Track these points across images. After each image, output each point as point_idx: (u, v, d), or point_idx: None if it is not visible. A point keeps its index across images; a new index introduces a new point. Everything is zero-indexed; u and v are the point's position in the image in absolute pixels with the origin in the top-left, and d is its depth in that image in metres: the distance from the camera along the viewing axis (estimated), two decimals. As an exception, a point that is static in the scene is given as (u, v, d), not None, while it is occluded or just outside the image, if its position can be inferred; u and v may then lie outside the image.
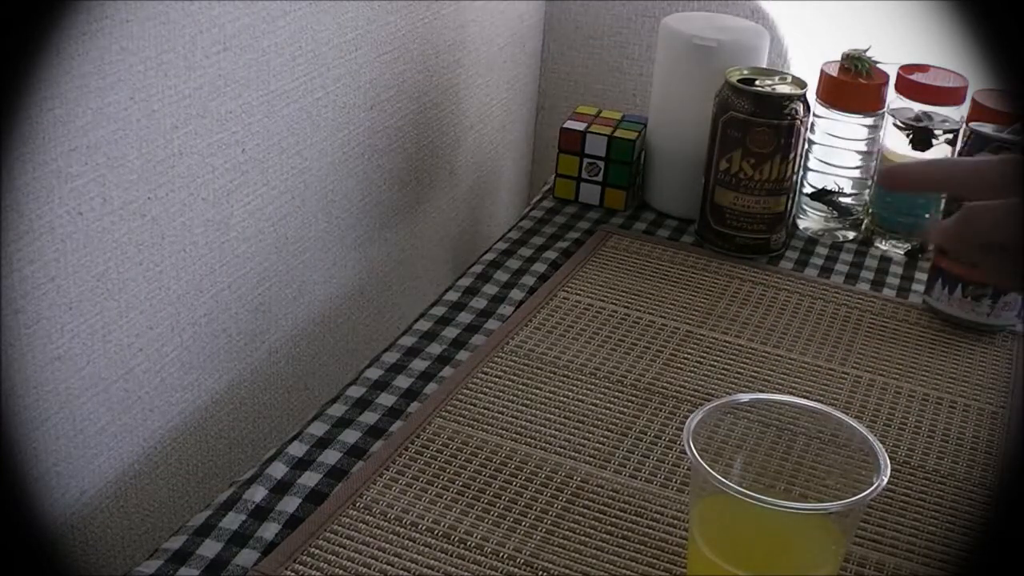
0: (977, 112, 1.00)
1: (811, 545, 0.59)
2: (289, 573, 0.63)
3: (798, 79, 0.99)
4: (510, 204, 1.39)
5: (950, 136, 1.00)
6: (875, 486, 0.57)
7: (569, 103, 1.37)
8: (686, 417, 0.77)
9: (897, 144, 1.01)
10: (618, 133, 1.07)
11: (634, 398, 0.79)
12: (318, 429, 0.75)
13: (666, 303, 0.92)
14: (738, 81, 0.97)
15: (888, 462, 0.58)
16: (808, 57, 1.06)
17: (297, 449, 0.73)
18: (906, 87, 1.01)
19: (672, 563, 0.65)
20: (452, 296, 0.92)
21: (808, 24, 1.22)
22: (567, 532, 0.67)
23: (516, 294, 0.92)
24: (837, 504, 0.57)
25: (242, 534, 0.66)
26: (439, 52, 1.11)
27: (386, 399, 0.79)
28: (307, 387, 1.01)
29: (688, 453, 0.58)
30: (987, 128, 0.89)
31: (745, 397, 0.64)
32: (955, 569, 0.66)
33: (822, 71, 1.03)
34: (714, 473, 0.56)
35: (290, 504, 0.68)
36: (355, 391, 0.80)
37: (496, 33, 1.23)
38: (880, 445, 0.59)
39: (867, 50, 1.02)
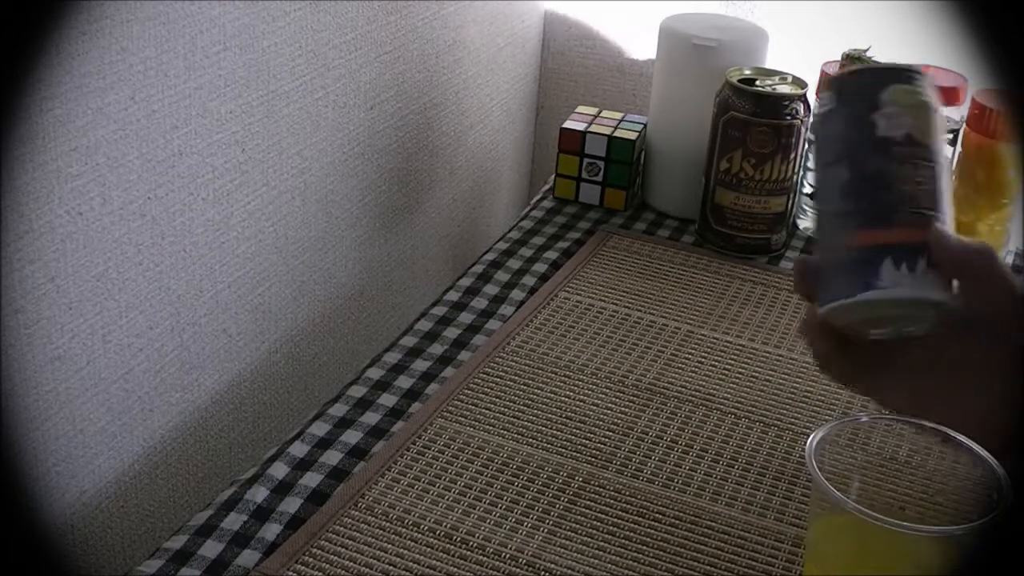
0: (977, 112, 1.00)
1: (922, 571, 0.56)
2: (291, 574, 0.62)
3: (798, 79, 0.98)
4: (510, 204, 1.39)
5: (950, 136, 1.00)
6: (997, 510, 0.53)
7: (569, 103, 1.37)
8: (687, 417, 0.77)
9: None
10: (618, 133, 1.07)
11: (635, 398, 0.79)
12: (319, 429, 0.75)
13: (666, 303, 0.92)
14: (738, 81, 0.97)
15: (1008, 481, 0.54)
16: (808, 57, 1.06)
17: (298, 449, 0.73)
18: (906, 87, 1.01)
19: (673, 563, 0.65)
20: (453, 296, 0.92)
21: (808, 24, 1.22)
22: (569, 533, 0.67)
23: (517, 294, 0.92)
24: (964, 528, 0.54)
25: (243, 534, 0.66)
26: (439, 52, 1.11)
27: (388, 399, 0.79)
28: (307, 387, 1.00)
29: (811, 471, 0.55)
30: None
31: (864, 417, 0.62)
32: (957, 570, 0.66)
33: (822, 71, 1.03)
34: (840, 495, 0.54)
35: (292, 504, 0.68)
36: (356, 391, 0.79)
37: (496, 33, 1.23)
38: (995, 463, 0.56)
39: (867, 50, 1.02)
